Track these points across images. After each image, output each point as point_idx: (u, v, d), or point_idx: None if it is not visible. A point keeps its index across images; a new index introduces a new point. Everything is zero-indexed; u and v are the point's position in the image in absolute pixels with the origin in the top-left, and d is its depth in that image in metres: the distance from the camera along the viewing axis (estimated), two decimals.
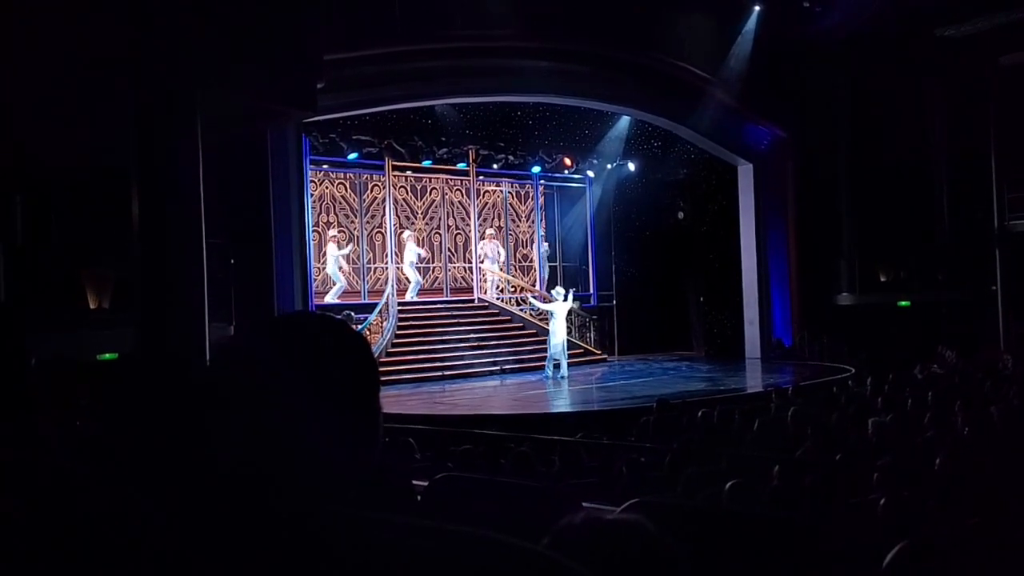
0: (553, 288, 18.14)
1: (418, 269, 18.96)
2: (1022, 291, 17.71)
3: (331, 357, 1.18)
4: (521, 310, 18.55)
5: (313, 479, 1.09)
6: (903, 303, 18.39)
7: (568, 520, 1.21)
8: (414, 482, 3.57)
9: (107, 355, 10.88)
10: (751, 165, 19.58)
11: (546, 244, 21.46)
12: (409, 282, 18.72)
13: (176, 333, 9.56)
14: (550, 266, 21.39)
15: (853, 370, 14.59)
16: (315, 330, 1.24)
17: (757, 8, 17.64)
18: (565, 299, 16.29)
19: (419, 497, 3.01)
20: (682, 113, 18.08)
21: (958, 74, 18.25)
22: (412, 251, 18.78)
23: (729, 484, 4.21)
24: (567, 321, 18.19)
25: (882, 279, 19.07)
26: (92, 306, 11.44)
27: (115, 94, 9.87)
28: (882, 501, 3.88)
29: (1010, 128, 18.08)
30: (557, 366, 15.87)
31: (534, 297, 18.17)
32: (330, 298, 17.43)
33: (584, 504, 2.43)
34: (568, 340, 18.62)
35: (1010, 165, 18.19)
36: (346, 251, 18.02)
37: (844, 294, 19.30)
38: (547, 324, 16.34)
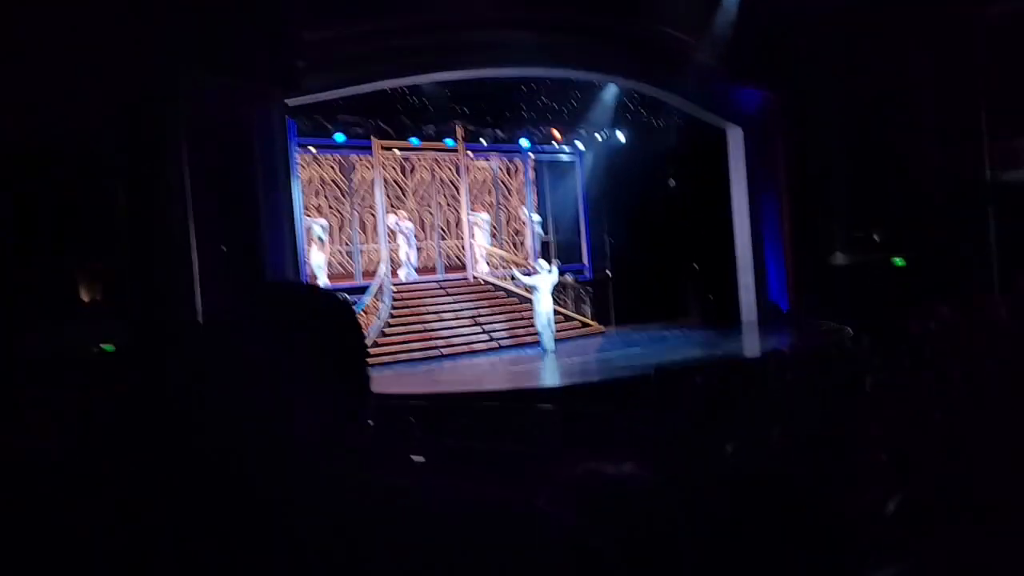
0: (537, 261, 18.17)
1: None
2: (1015, 243, 17.73)
3: (316, 323, 1.17)
4: (516, 285, 18.55)
5: (302, 445, 1.08)
6: (898, 261, 18.42)
7: (569, 473, 1.20)
8: (414, 457, 3.57)
9: (105, 347, 10.87)
10: (740, 129, 19.50)
11: (537, 216, 21.40)
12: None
13: (168, 322, 9.53)
14: (543, 240, 21.35)
15: (850, 330, 14.64)
16: (300, 298, 1.23)
17: None
18: (549, 272, 16.31)
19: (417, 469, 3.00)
20: (670, 79, 17.97)
21: (945, 26, 18.14)
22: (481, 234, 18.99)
23: (730, 445, 4.21)
24: (559, 293, 18.24)
25: (876, 238, 19.07)
26: (85, 299, 11.41)
27: (98, 81, 9.77)
28: (882, 457, 3.88)
29: (999, 79, 18.01)
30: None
31: (520, 271, 18.19)
32: (321, 282, 17.41)
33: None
34: (565, 313, 18.69)
35: (1000, 116, 18.15)
36: (319, 226, 17.78)
37: (838, 254, 19.31)
38: None
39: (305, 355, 1.12)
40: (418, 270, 19.09)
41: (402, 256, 18.76)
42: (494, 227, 20.58)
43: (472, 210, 20.00)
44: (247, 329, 1.13)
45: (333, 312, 1.21)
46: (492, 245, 20.15)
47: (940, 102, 18.56)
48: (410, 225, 19.09)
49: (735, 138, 19.60)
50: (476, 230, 19.91)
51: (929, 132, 18.65)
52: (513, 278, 18.57)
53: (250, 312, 1.16)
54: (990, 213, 18.30)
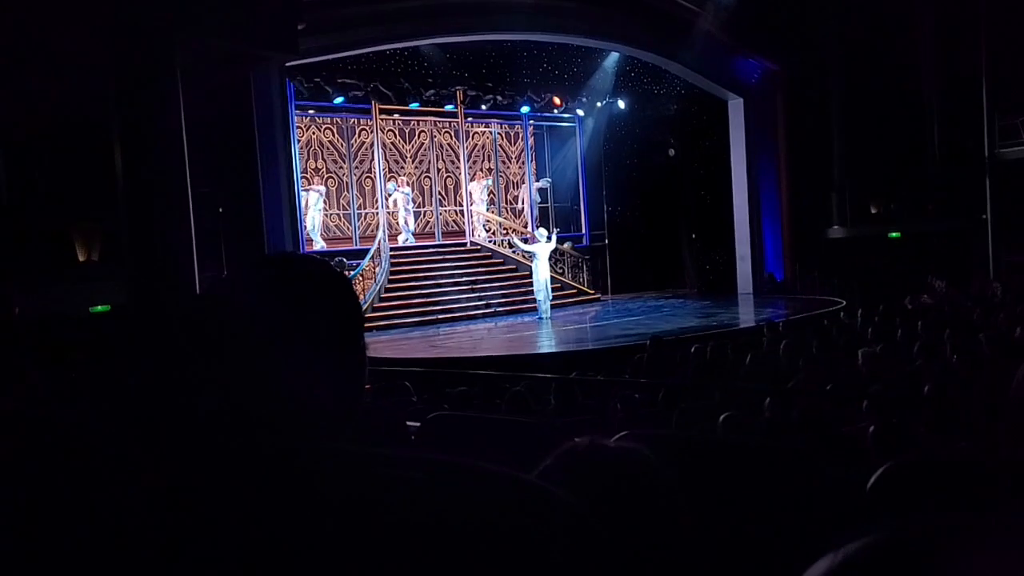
0: (537, 229, 18.14)
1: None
2: (1012, 219, 17.74)
3: (314, 295, 1.18)
4: (513, 252, 18.55)
5: (299, 416, 1.10)
6: (894, 235, 18.44)
7: (566, 447, 1.23)
8: (410, 423, 3.61)
9: (99, 307, 10.89)
10: (741, 100, 19.39)
11: (539, 183, 21.31)
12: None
13: (166, 283, 9.54)
14: (540, 207, 21.31)
15: (844, 302, 14.70)
16: (298, 269, 1.24)
17: None
18: (548, 240, 16.31)
19: (413, 436, 3.04)
20: (672, 48, 17.83)
21: (947, 2, 18.00)
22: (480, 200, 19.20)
23: (722, 416, 4.27)
24: (556, 260, 18.26)
25: (873, 211, 19.07)
26: (81, 259, 11.41)
27: (91, 42, 9.68)
28: (871, 428, 3.94)
29: (1001, 55, 17.90)
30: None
31: (519, 238, 18.17)
32: (317, 244, 17.40)
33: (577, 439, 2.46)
34: (562, 280, 18.72)
35: (1001, 92, 18.07)
36: (316, 193, 17.68)
37: (835, 227, 19.33)
38: None
39: (303, 325, 1.14)
40: (416, 235, 19.07)
41: (400, 221, 18.74)
42: (492, 193, 20.52)
43: (472, 178, 19.94)
44: (245, 301, 1.15)
45: (330, 283, 1.23)
46: (490, 211, 20.11)
47: (941, 77, 18.46)
48: (408, 191, 19.04)
49: (736, 108, 19.51)
50: (475, 196, 19.87)
51: (930, 107, 18.57)
52: (511, 245, 18.57)
53: (248, 284, 1.18)
54: (988, 188, 18.29)
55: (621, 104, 20.57)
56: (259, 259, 1.32)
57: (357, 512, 0.92)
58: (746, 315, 16.77)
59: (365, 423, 1.21)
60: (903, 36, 18.17)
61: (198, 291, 10.03)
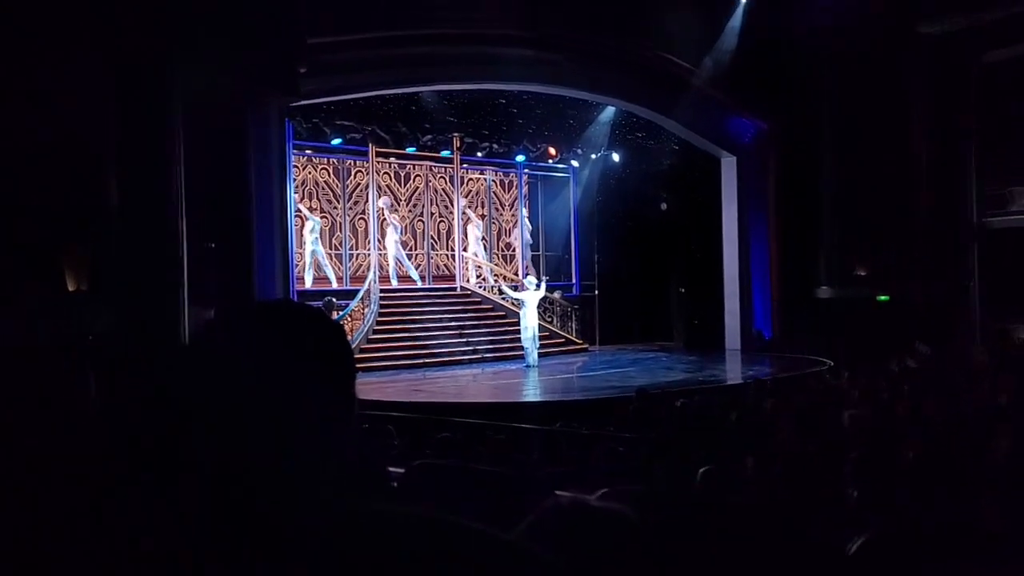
0: (526, 277, 18.20)
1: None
2: (998, 286, 17.91)
3: (309, 345, 1.19)
4: (503, 298, 18.59)
5: (291, 467, 1.10)
6: (881, 297, 18.56)
7: (549, 504, 1.23)
8: (392, 468, 3.59)
9: (89, 336, 10.80)
10: (734, 157, 19.66)
11: (530, 226, 21.46)
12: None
13: (155, 315, 9.50)
14: (532, 254, 21.40)
15: (831, 362, 14.73)
16: (293, 318, 1.25)
17: (743, 0, 17.67)
18: (537, 287, 16.38)
19: (396, 484, 3.03)
20: (667, 104, 18.11)
21: (940, 70, 18.39)
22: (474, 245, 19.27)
23: (702, 471, 4.26)
24: (545, 309, 18.30)
25: (861, 273, 19.23)
26: (71, 288, 11.34)
27: (93, 71, 9.76)
28: (854, 493, 3.93)
29: (990, 125, 18.25)
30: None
31: (509, 285, 18.22)
32: (309, 283, 17.39)
33: (559, 493, 2.46)
34: (550, 329, 18.73)
35: (989, 161, 18.38)
36: (312, 225, 17.72)
37: (824, 287, 19.46)
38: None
39: (295, 374, 1.14)
40: (402, 279, 19.05)
41: (391, 261, 18.73)
42: (484, 239, 20.62)
43: (467, 222, 20.06)
44: (238, 350, 1.15)
45: (323, 333, 1.24)
46: (482, 257, 20.19)
47: (932, 143, 18.78)
48: (398, 224, 18.97)
49: (728, 166, 19.76)
50: (469, 240, 19.95)
51: (920, 172, 18.85)
52: (501, 291, 18.62)
53: (240, 336, 1.18)
54: (975, 255, 18.50)
55: (615, 157, 20.80)
56: (255, 305, 1.33)
57: (349, 570, 0.92)
58: (733, 371, 16.78)
59: (350, 469, 1.22)
60: (895, 100, 18.52)
61: (189, 326, 9.99)
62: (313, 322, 1.26)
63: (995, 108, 18.00)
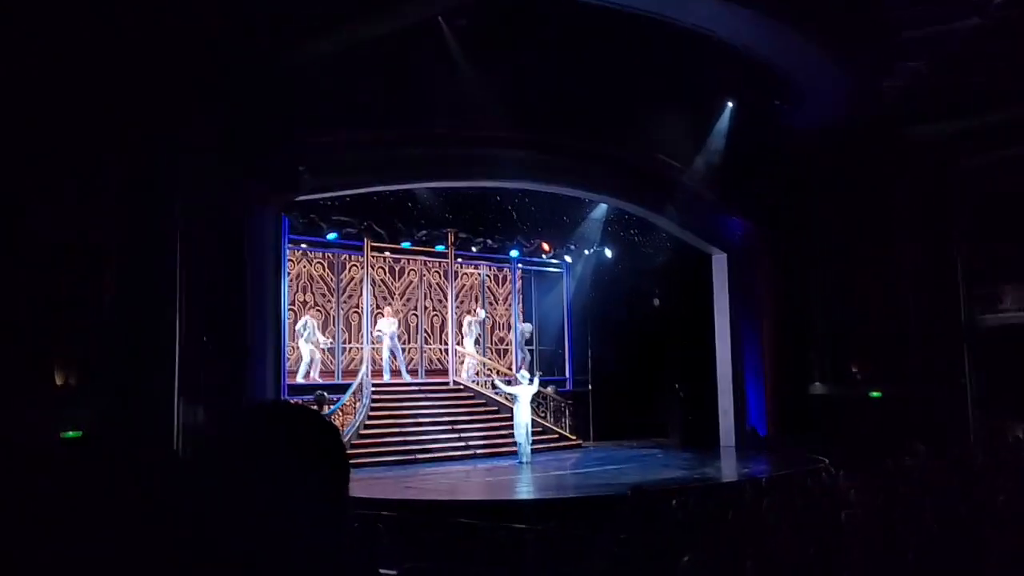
0: (519, 371, 18.16)
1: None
2: (990, 385, 17.92)
3: (306, 451, 1.20)
4: (496, 393, 18.47)
5: (281, 566, 1.10)
6: (875, 394, 18.53)
7: None
8: (384, 571, 3.52)
9: (71, 433, 10.65)
10: (725, 255, 19.90)
11: (526, 325, 21.52)
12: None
13: (145, 412, 9.42)
14: (528, 349, 21.39)
15: (826, 460, 14.58)
16: (292, 422, 1.27)
17: (730, 104, 18.21)
18: (531, 382, 16.32)
19: None
20: (658, 203, 18.45)
21: (923, 173, 18.87)
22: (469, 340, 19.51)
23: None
24: (539, 404, 18.19)
25: (854, 370, 19.24)
26: (58, 383, 11.26)
27: (98, 171, 9.95)
28: None
29: (975, 226, 18.61)
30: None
31: (502, 380, 18.14)
32: (300, 377, 17.28)
33: None
34: (544, 425, 18.55)
35: (976, 261, 18.66)
36: (322, 339, 17.92)
37: (817, 384, 19.43)
38: None
39: (289, 479, 1.15)
40: (395, 372, 18.95)
41: (385, 356, 18.68)
42: (478, 335, 20.64)
43: (459, 316, 20.12)
44: (237, 453, 1.17)
45: (320, 437, 1.25)
46: (476, 351, 20.16)
47: (918, 244, 19.10)
48: (394, 329, 19.02)
49: (720, 263, 19.99)
50: (464, 335, 19.94)
51: (907, 272, 19.10)
52: (494, 386, 18.52)
53: (241, 436, 1.20)
54: (966, 355, 18.58)
55: (608, 253, 21.05)
56: (255, 408, 1.35)
57: None
58: (728, 469, 16.58)
59: (339, 567, 1.22)
60: (882, 201, 18.93)
61: (179, 424, 9.87)
62: (310, 426, 1.27)
63: (982, 210, 18.38)
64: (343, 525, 1.22)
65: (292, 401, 14.11)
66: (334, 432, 1.32)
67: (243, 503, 1.13)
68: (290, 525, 1.14)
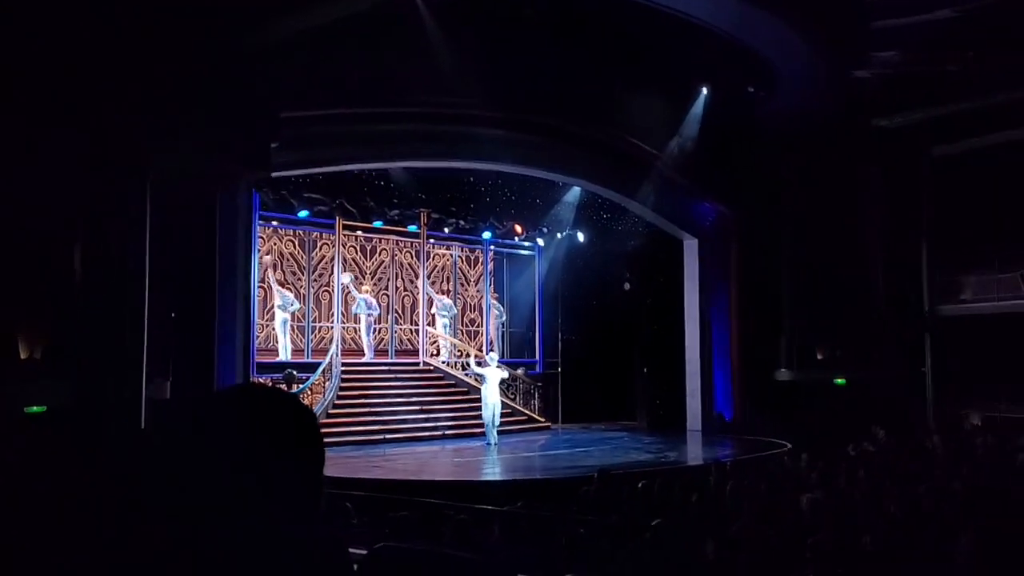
0: (489, 353, 18.18)
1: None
2: (950, 373, 18.29)
3: (283, 435, 1.21)
4: (466, 374, 18.51)
5: (254, 550, 1.11)
6: (839, 381, 18.82)
7: None
8: (353, 550, 3.53)
9: (35, 408, 10.53)
10: (696, 240, 20.05)
11: (499, 307, 21.56)
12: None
13: (112, 387, 9.34)
14: (499, 331, 21.43)
15: (789, 445, 14.82)
16: (268, 406, 1.27)
17: (705, 90, 18.28)
18: (499, 365, 16.36)
19: (356, 566, 2.98)
20: (631, 187, 18.51)
21: (893, 162, 19.11)
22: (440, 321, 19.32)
23: (663, 558, 4.26)
24: (509, 386, 18.25)
25: (819, 357, 19.52)
26: (23, 356, 11.11)
27: (66, 144, 9.79)
28: None
29: (941, 216, 18.91)
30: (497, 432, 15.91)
31: (474, 360, 18.18)
32: (288, 355, 17.28)
33: None
34: (513, 407, 18.63)
35: (940, 251, 18.98)
36: (293, 308, 17.89)
37: (783, 370, 19.69)
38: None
39: (260, 461, 1.16)
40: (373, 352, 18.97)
41: (362, 335, 18.68)
42: (451, 317, 20.64)
43: (430, 298, 20.10)
44: (207, 436, 1.17)
45: (295, 419, 1.26)
46: (447, 332, 20.17)
47: (886, 232, 19.37)
48: (371, 299, 19.00)
49: (691, 249, 20.14)
50: (436, 316, 19.94)
51: (874, 260, 19.38)
52: (465, 367, 18.56)
53: (212, 419, 1.20)
54: (927, 344, 18.92)
55: (580, 236, 21.10)
56: (227, 391, 1.35)
57: None
58: (694, 453, 16.80)
59: (312, 553, 1.23)
60: (851, 189, 19.15)
61: (146, 400, 9.79)
62: (286, 409, 1.28)
63: (946, 199, 18.67)
64: (315, 509, 1.23)
65: (262, 381, 14.02)
66: (310, 415, 1.33)
67: (217, 487, 1.14)
68: (266, 509, 1.15)
